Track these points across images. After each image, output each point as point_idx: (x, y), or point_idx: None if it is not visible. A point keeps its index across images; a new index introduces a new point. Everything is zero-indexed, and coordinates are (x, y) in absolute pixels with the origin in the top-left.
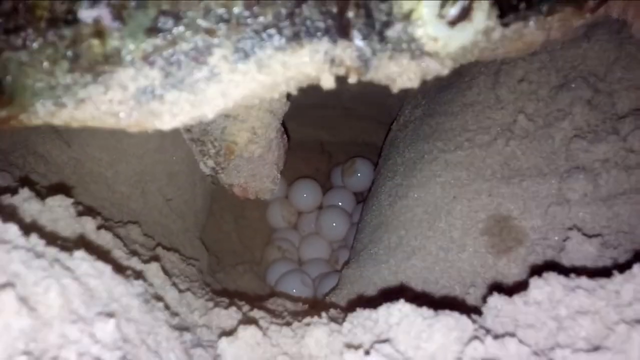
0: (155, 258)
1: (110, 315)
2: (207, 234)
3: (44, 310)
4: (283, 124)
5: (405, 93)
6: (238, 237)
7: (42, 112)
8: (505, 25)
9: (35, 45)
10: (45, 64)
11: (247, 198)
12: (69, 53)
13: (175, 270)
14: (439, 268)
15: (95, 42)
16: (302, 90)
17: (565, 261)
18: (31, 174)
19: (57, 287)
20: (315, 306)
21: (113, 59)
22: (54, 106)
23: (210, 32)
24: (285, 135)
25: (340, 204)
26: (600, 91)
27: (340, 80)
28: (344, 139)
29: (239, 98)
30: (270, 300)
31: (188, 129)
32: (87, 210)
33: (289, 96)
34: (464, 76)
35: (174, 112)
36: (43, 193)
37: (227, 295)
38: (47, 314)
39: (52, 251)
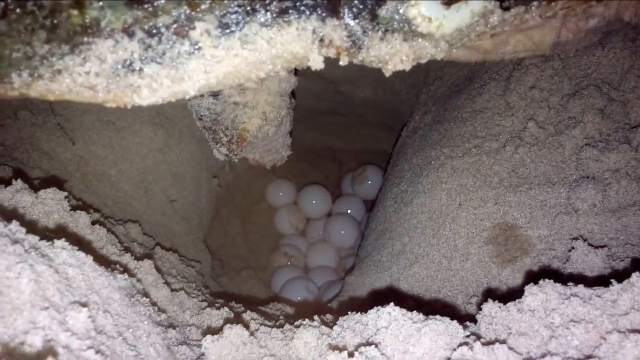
0: (150, 256)
1: (84, 305)
2: (213, 237)
3: (14, 295)
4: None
5: (417, 99)
6: (244, 241)
7: (18, 83)
8: (505, 8)
9: (14, 14)
10: (23, 33)
11: (263, 167)
12: (47, 23)
13: (173, 271)
14: (442, 277)
15: (74, 12)
16: (314, 96)
17: (570, 272)
18: (34, 169)
19: (29, 272)
20: (317, 311)
21: (91, 30)
22: (30, 77)
23: (193, 5)
24: (293, 99)
25: (349, 211)
26: (614, 100)
27: (354, 85)
28: (356, 146)
29: (221, 75)
30: (269, 305)
31: (200, 117)
32: (85, 206)
33: (296, 72)
34: (474, 82)
35: (153, 87)
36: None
37: (225, 297)
38: (18, 299)
39: (32, 239)
